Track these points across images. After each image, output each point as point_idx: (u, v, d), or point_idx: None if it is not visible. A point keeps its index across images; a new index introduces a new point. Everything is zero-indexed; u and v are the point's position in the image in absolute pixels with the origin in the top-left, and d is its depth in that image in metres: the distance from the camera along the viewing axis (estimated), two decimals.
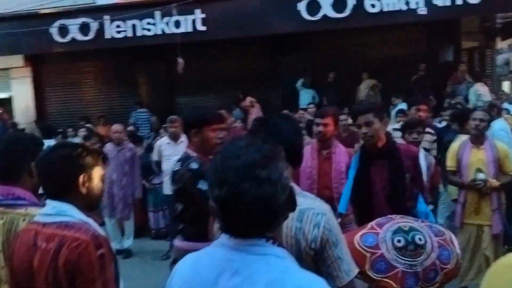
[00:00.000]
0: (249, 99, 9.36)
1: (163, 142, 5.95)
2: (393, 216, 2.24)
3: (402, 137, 4.15)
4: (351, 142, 6.99)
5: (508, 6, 9.21)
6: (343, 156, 3.74)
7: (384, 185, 2.79)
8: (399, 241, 1.95)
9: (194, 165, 2.60)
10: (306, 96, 10.16)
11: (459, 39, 10.49)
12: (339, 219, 2.99)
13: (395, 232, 1.94)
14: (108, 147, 6.01)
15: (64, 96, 12.00)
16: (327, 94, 9.99)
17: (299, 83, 10.35)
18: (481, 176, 3.84)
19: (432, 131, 5.04)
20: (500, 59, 24.72)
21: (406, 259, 1.83)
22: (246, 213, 1.05)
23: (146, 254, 6.00)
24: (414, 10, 8.76)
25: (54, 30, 10.18)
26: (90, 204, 1.70)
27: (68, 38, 10.21)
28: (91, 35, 10.15)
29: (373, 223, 2.17)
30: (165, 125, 6.50)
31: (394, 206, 2.68)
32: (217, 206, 1.08)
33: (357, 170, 2.92)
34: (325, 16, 9.12)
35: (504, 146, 4.12)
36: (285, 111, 8.43)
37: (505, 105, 7.91)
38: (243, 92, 10.27)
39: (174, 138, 5.78)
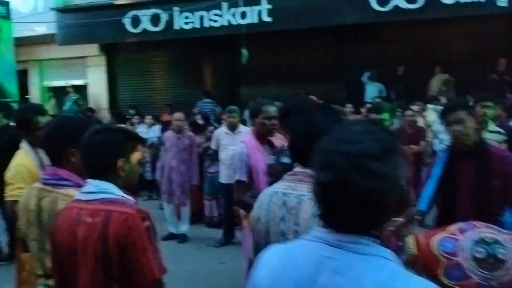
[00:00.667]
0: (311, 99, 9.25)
1: (221, 132, 6.00)
2: (477, 223, 2.13)
3: None
4: (417, 139, 6.68)
5: None
6: None
7: (471, 187, 2.64)
8: (479, 252, 1.87)
9: (285, 159, 2.59)
10: (372, 90, 9.82)
11: None
12: (419, 217, 2.85)
13: (477, 243, 1.90)
14: (168, 135, 6.17)
15: (135, 84, 12.55)
16: (395, 88, 9.60)
17: (365, 76, 10.02)
18: None
19: (501, 130, 4.64)
20: None
21: (484, 271, 1.76)
22: (350, 205, 0.97)
23: (200, 240, 6.11)
24: (493, 2, 8.15)
25: (127, 21, 10.64)
26: (128, 186, 1.76)
27: (139, 29, 10.65)
28: (161, 26, 10.50)
29: (455, 227, 2.10)
30: (224, 115, 6.56)
31: (479, 211, 2.51)
32: (320, 192, 1.01)
33: (443, 169, 2.76)
34: (396, 7, 8.74)
35: None
36: (349, 105, 8.23)
37: None
38: (308, 84, 10.17)
39: (232, 128, 5.81)
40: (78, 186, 1.97)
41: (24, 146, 2.83)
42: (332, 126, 1.60)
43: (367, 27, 9.60)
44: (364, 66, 9.98)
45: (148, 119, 9.31)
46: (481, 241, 1.90)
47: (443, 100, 8.41)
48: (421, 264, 1.88)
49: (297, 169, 1.67)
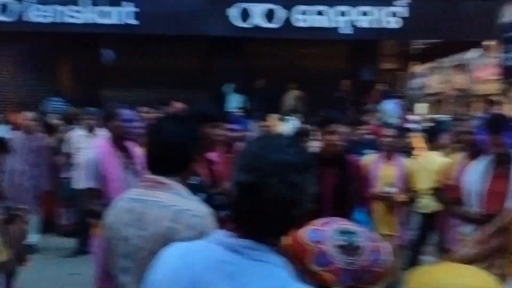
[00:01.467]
0: (175, 105, 9.39)
1: (77, 134, 5.76)
2: (337, 219, 2.45)
3: None
4: None
5: (424, 34, 10.01)
6: None
7: (333, 191, 2.99)
8: (341, 240, 2.14)
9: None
10: (234, 101, 10.29)
11: (378, 60, 11.19)
12: None
13: (339, 232, 2.06)
14: (17, 136, 5.70)
15: None
16: (255, 100, 10.18)
17: (228, 87, 10.46)
18: (389, 189, 4.07)
19: None
20: (416, 82, 26.64)
21: (345, 257, 2.02)
22: (263, 208, 1.01)
23: (51, 251, 5.74)
24: (336, 29, 9.28)
25: None
26: None
27: None
28: (11, 16, 9.57)
29: (319, 221, 2.38)
30: (81, 117, 6.30)
31: (338, 211, 2.81)
32: (236, 193, 1.04)
33: None
34: (256, 25, 9.35)
35: (412, 162, 4.42)
36: None
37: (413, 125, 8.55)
38: (173, 90, 10.21)
39: (90, 130, 5.62)
40: None
41: None
42: (185, 136, 1.72)
43: (232, 40, 10.05)
44: (228, 77, 10.41)
45: None
46: (342, 231, 2.24)
47: (296, 114, 9.22)
48: (292, 253, 2.13)
49: (149, 175, 1.71)
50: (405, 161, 4.36)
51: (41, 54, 10.77)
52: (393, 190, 4.08)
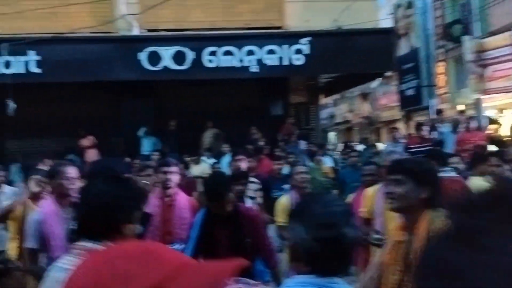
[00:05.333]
0: (89, 139, 9.20)
1: None
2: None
3: None
4: (188, 189, 7.16)
5: (327, 69, 10.69)
6: (184, 203, 3.80)
7: (227, 247, 2.90)
8: None
9: None
10: (148, 144, 10.19)
11: (287, 95, 11.73)
12: None
13: None
14: None
15: None
16: (168, 142, 10.16)
17: (141, 131, 10.36)
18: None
19: (256, 180, 5.37)
20: (325, 113, 28.06)
21: None
22: (340, 250, 1.32)
23: None
24: (247, 67, 9.64)
25: None
26: None
27: None
28: None
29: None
30: None
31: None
32: (318, 246, 1.31)
33: (201, 230, 2.99)
34: (165, 67, 9.45)
35: None
36: (127, 159, 8.32)
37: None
38: (84, 138, 10.00)
39: None
40: None
41: None
42: (123, 195, 1.57)
43: (141, 84, 10.03)
44: (140, 121, 10.33)
45: None
46: None
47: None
48: None
49: (82, 243, 1.59)
50: None
51: None
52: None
